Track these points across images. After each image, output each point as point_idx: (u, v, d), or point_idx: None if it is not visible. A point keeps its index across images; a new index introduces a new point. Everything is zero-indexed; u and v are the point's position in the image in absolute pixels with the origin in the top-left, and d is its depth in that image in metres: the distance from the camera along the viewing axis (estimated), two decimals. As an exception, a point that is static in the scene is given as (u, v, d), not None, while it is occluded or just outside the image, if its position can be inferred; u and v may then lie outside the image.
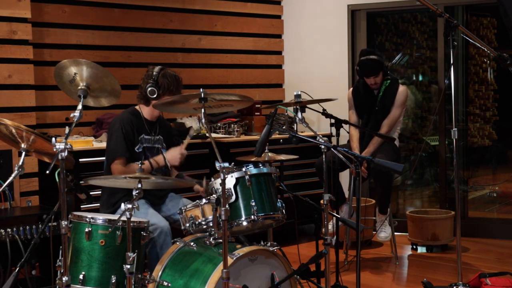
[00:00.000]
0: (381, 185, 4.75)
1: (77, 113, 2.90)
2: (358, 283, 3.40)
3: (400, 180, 6.67)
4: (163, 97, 3.78)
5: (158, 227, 3.56)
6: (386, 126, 4.88)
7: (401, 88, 4.95)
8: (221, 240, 3.03)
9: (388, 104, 4.89)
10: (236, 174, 3.29)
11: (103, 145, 4.39)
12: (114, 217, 3.15)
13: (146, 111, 3.92)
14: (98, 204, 4.00)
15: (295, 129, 5.53)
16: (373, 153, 4.70)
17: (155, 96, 3.79)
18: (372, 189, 5.87)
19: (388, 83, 4.91)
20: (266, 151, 3.67)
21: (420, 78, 7.12)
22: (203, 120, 3.12)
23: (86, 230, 3.10)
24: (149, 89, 3.79)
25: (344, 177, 5.53)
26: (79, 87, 3.05)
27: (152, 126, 3.95)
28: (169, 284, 3.14)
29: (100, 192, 3.97)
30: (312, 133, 3.54)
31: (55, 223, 3.72)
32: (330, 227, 4.42)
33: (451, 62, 3.91)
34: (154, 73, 3.82)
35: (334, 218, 3.96)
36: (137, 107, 3.94)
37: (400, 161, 5.11)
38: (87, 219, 3.12)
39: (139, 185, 2.94)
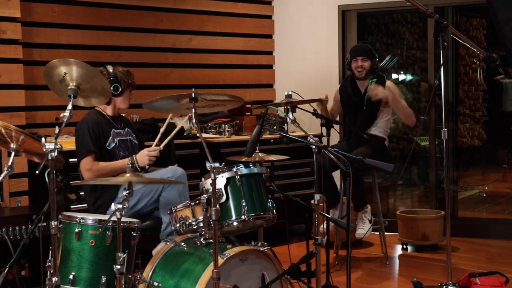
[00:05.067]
0: (350, 184, 4.75)
1: (67, 113, 2.89)
2: (348, 283, 3.41)
3: (391, 180, 6.69)
4: (125, 91, 3.98)
5: (175, 174, 3.77)
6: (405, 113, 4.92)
7: (389, 83, 4.94)
8: (211, 240, 3.03)
9: (375, 103, 4.88)
10: (226, 174, 3.29)
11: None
12: (104, 217, 3.14)
13: (108, 109, 4.02)
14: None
15: (286, 129, 5.52)
16: (362, 153, 4.68)
17: (118, 92, 3.95)
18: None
19: (375, 81, 4.90)
20: (256, 151, 3.67)
21: (410, 78, 7.15)
22: (194, 120, 3.12)
23: (76, 230, 3.09)
24: (113, 86, 3.92)
25: (336, 177, 5.54)
26: (69, 87, 3.04)
27: (116, 120, 4.04)
28: (160, 284, 3.13)
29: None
30: (303, 133, 3.54)
31: (45, 224, 3.70)
32: (320, 227, 4.43)
33: (441, 62, 3.92)
34: (111, 70, 3.97)
35: (325, 218, 3.97)
36: (97, 108, 4.01)
37: (390, 161, 5.11)
38: (77, 219, 3.11)
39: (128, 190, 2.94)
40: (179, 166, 4.31)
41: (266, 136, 5.32)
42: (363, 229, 4.90)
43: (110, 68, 3.97)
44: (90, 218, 3.14)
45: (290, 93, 3.68)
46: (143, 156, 3.86)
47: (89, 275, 3.07)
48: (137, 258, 3.23)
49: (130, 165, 3.34)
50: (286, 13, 6.36)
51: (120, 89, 3.94)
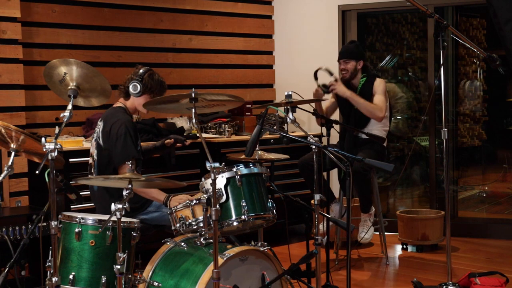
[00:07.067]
0: (358, 185, 4.73)
1: (67, 113, 2.89)
2: (348, 283, 3.41)
3: (391, 180, 6.68)
4: (143, 95, 3.80)
5: None
6: (367, 110, 4.76)
7: (377, 80, 4.89)
8: (211, 240, 3.03)
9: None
10: (226, 174, 3.29)
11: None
12: (104, 217, 3.14)
13: (128, 106, 3.88)
14: (89, 204, 3.98)
15: (286, 129, 5.54)
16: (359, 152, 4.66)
17: (136, 92, 3.79)
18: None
19: (364, 80, 4.89)
20: (257, 149, 3.66)
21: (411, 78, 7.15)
22: (194, 120, 3.12)
23: (76, 230, 3.09)
24: (132, 84, 3.79)
25: (334, 176, 5.54)
26: (69, 87, 3.04)
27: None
28: (160, 285, 3.13)
29: (88, 192, 3.94)
30: (302, 133, 3.54)
31: (45, 224, 3.69)
32: (321, 227, 4.43)
33: (441, 62, 3.92)
34: (141, 71, 3.83)
35: (325, 218, 3.97)
36: (120, 104, 3.87)
37: (385, 161, 5.09)
38: (77, 219, 3.11)
39: (129, 185, 2.93)
40: (179, 166, 4.30)
41: (266, 136, 5.32)
42: (365, 232, 4.88)
43: (142, 69, 3.83)
44: (90, 218, 3.14)
45: (290, 93, 3.67)
46: (177, 200, 3.67)
47: (89, 275, 3.08)
48: (137, 258, 3.23)
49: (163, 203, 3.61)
50: (286, 13, 6.36)
51: (138, 90, 3.78)
